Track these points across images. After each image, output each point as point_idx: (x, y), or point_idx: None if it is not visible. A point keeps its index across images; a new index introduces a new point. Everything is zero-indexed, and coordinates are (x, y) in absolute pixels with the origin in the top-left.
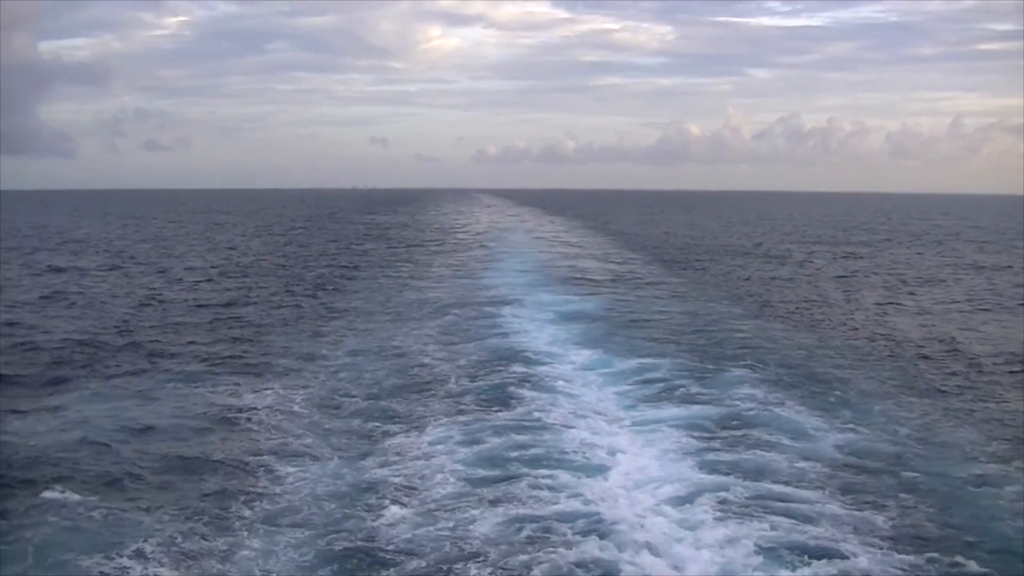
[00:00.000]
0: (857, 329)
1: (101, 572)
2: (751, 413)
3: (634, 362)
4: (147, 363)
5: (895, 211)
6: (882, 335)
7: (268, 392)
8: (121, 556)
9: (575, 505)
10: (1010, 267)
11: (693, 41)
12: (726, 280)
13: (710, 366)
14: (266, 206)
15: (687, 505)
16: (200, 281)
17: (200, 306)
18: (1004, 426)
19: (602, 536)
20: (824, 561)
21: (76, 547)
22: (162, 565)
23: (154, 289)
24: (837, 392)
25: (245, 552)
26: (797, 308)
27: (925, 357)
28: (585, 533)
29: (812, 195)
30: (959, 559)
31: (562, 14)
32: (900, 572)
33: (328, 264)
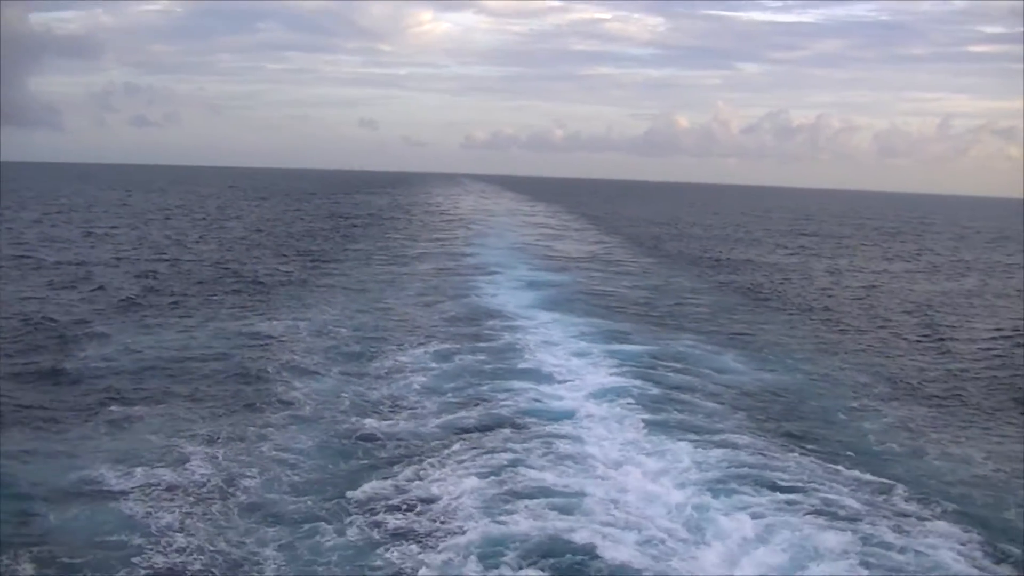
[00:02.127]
0: (801, 303)
1: (165, 447)
2: (686, 353)
3: (595, 320)
4: (177, 309)
5: (885, 210)
6: (821, 308)
7: (279, 328)
8: (181, 438)
9: (525, 402)
10: (965, 260)
11: (684, 33)
12: (695, 262)
13: (661, 325)
14: (260, 184)
15: (613, 400)
16: (212, 248)
17: (219, 266)
18: (891, 371)
19: (548, 420)
20: (710, 436)
21: (144, 436)
22: (212, 446)
23: (172, 253)
24: (768, 348)
25: (271, 440)
26: (753, 286)
27: (852, 326)
28: (533, 416)
29: (799, 191)
30: (827, 453)
31: (554, 2)
32: (768, 452)
33: (325, 237)
